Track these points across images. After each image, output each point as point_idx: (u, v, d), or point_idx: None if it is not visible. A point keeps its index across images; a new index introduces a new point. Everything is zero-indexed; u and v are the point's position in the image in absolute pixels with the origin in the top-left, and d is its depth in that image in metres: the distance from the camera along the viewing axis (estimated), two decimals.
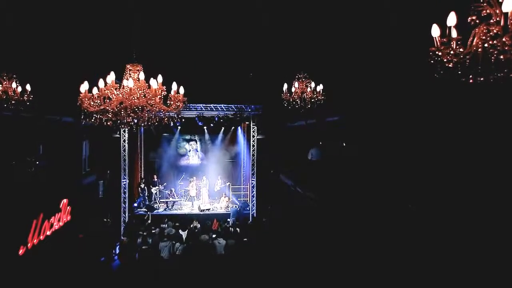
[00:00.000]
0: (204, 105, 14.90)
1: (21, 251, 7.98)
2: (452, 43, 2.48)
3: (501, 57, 2.21)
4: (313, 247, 10.57)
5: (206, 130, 18.64)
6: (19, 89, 6.21)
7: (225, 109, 15.24)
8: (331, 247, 9.86)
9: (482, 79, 2.44)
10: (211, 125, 15.79)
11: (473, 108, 6.02)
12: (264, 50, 10.43)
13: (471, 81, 2.54)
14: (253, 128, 16.03)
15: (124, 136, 15.14)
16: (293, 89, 7.75)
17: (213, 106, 15.04)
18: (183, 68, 10.87)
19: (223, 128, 18.27)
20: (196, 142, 19.39)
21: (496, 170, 6.11)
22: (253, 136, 16.06)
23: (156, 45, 9.75)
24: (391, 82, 8.40)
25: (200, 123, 15.54)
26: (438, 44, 2.59)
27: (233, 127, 18.37)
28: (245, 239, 12.56)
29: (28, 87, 6.28)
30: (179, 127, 18.01)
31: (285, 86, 7.75)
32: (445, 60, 2.53)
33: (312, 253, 10.22)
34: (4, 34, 7.39)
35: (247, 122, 16.56)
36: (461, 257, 6.17)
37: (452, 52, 2.48)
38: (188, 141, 19.32)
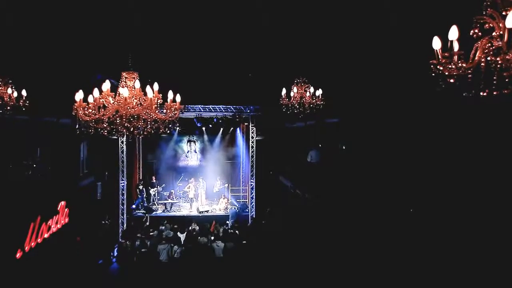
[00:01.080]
0: (202, 106, 14.81)
1: (18, 255, 7.92)
2: (453, 57, 2.42)
3: (504, 74, 2.15)
4: (312, 249, 10.52)
5: (204, 131, 18.54)
6: (15, 94, 6.14)
7: (223, 110, 15.13)
8: (331, 249, 9.81)
9: (485, 94, 2.38)
10: (210, 126, 15.70)
11: (473, 109, 5.98)
12: (263, 51, 10.35)
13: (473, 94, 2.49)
14: (252, 129, 15.93)
15: (122, 137, 15.05)
16: (291, 94, 7.67)
17: (212, 107, 14.94)
18: (181, 68, 10.83)
19: (221, 129, 18.15)
20: (195, 143, 19.26)
21: (495, 174, 6.07)
22: (252, 137, 15.98)
23: (154, 45, 9.68)
24: (391, 85, 8.35)
25: (198, 124, 15.45)
26: (440, 57, 2.53)
27: (232, 128, 18.24)
28: (244, 242, 12.50)
29: (24, 92, 6.20)
30: (177, 129, 17.90)
31: (284, 90, 7.66)
32: (446, 73, 2.47)
33: (312, 256, 10.17)
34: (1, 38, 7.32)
35: (246, 123, 16.46)
36: (460, 259, 6.15)
37: (453, 66, 2.41)
38: (186, 142, 19.22)
